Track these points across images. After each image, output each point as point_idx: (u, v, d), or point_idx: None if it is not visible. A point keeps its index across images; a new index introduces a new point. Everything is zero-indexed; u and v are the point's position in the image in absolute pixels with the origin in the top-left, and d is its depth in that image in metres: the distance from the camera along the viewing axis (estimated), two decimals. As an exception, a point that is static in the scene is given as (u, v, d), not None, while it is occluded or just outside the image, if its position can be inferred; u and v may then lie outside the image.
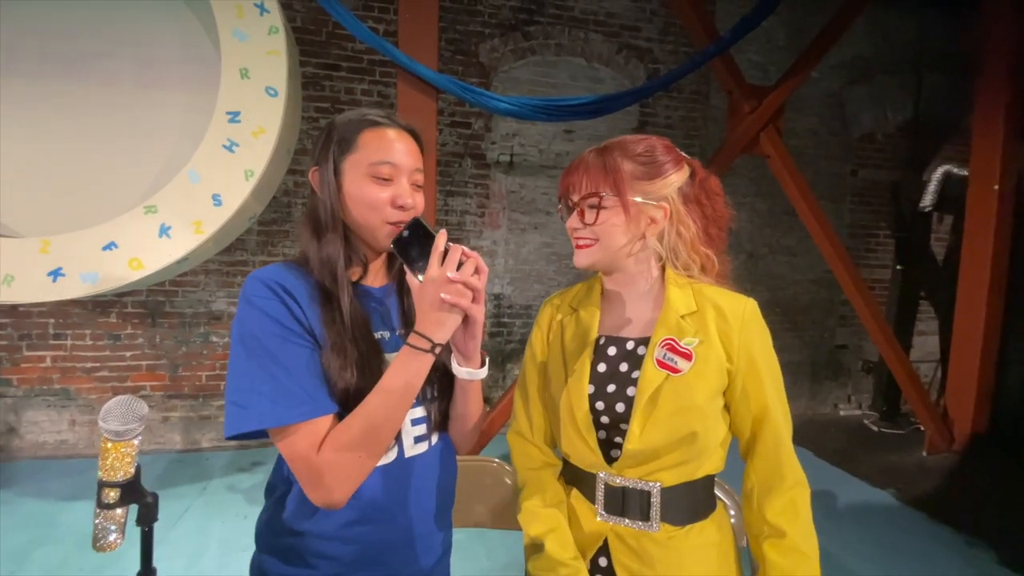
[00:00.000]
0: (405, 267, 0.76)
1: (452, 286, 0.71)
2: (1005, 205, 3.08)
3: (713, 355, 0.82)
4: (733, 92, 3.10)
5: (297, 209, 3.39)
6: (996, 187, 3.05)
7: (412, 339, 0.73)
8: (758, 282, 4.18)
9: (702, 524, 0.85)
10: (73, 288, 2.16)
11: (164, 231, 2.20)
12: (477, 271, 0.73)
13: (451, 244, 0.73)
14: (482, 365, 0.82)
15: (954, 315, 3.31)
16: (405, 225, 0.76)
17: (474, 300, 0.73)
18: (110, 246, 2.18)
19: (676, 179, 0.87)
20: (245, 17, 2.19)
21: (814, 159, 4.25)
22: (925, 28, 4.09)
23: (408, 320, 0.86)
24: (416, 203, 0.81)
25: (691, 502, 0.85)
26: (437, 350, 0.73)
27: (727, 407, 0.85)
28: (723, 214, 0.90)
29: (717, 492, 0.93)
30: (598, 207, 0.84)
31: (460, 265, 0.72)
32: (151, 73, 2.44)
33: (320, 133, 0.83)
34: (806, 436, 3.82)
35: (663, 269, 0.89)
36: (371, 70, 3.44)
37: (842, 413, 4.55)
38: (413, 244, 0.75)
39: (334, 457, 0.70)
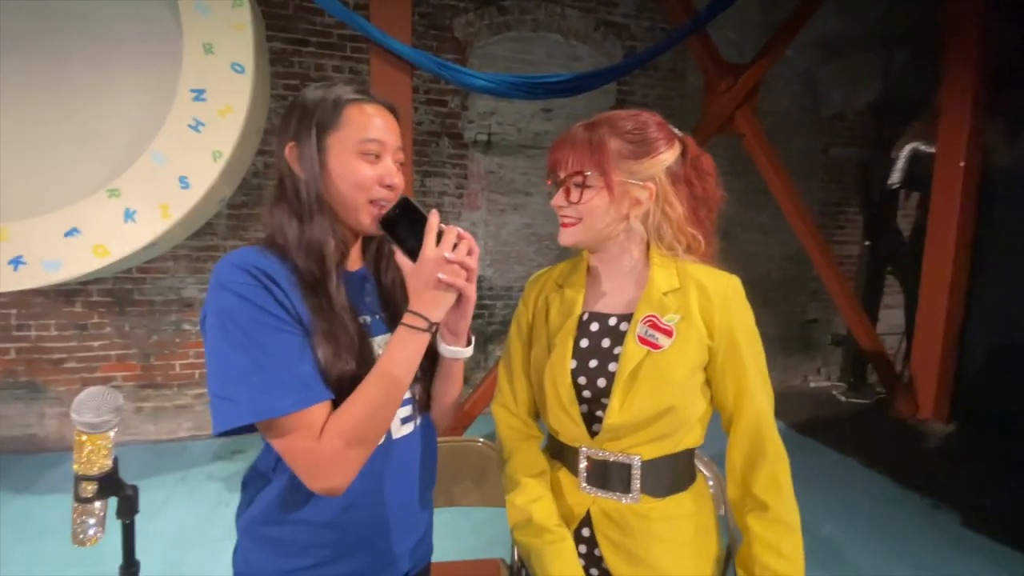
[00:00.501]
0: (394, 247, 0.75)
1: (449, 266, 0.71)
2: (970, 181, 3.18)
3: (694, 332, 0.83)
4: (710, 70, 3.10)
5: (269, 191, 3.29)
6: (962, 164, 3.14)
7: (408, 319, 0.72)
8: (732, 260, 4.19)
9: (680, 496, 0.88)
10: (35, 277, 2.08)
11: (129, 216, 2.12)
12: (470, 252, 0.73)
13: (444, 225, 0.73)
14: (468, 344, 0.83)
15: (919, 288, 3.43)
16: (394, 204, 0.75)
17: (468, 279, 0.74)
18: (72, 232, 2.09)
19: (666, 158, 0.86)
20: (207, -11, 2.09)
21: (786, 137, 4.31)
22: (893, 5, 4.14)
23: (388, 304, 0.85)
24: (401, 182, 0.80)
25: (671, 474, 0.87)
26: (434, 329, 0.73)
27: (708, 382, 0.87)
28: (714, 195, 0.90)
29: (697, 463, 0.96)
30: (583, 186, 0.84)
31: (455, 246, 0.72)
32: (107, 49, 2.31)
33: (290, 109, 0.78)
34: (778, 408, 3.87)
35: (648, 248, 0.89)
36: (341, 45, 3.33)
37: (812, 385, 4.71)
38: (403, 224, 0.74)
39: (336, 444, 0.69)
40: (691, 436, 0.87)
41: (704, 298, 0.84)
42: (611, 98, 3.91)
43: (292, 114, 0.77)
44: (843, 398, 4.31)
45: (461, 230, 0.74)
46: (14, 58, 2.25)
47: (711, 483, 1.26)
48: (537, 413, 0.97)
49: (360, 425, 0.70)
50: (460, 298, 0.76)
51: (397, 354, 0.72)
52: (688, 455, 0.90)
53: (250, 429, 0.70)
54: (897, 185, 4.18)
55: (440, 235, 0.72)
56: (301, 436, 0.68)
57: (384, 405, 0.72)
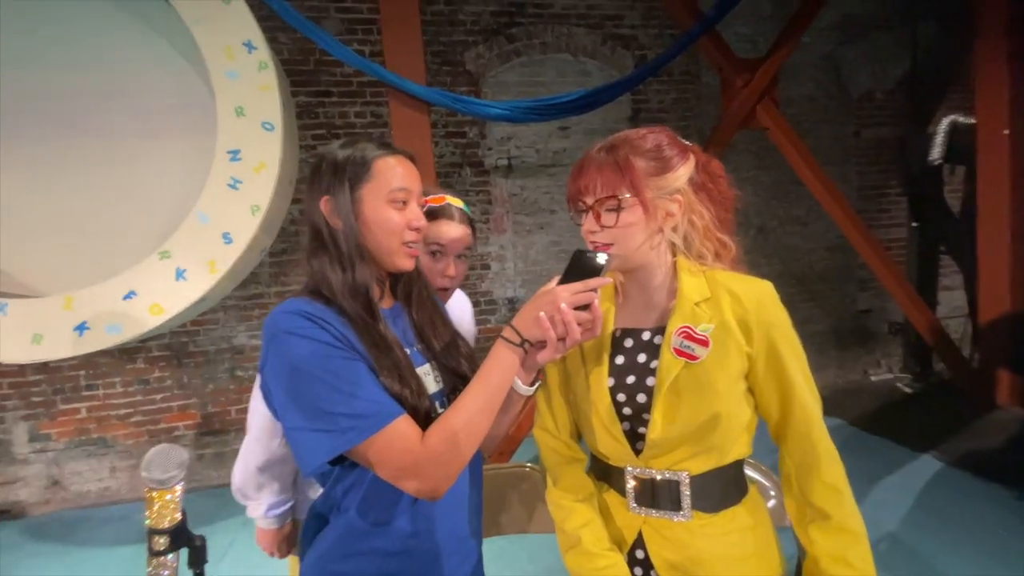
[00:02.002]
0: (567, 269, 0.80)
1: (557, 314, 0.74)
2: (1018, 148, 3.01)
3: (731, 340, 0.82)
4: (724, 68, 3.07)
5: (304, 242, 3.43)
6: (1006, 132, 2.98)
7: (506, 332, 0.78)
8: (770, 256, 4.13)
9: (734, 509, 0.85)
10: (99, 340, 2.22)
11: (180, 274, 2.25)
12: (592, 326, 0.77)
13: (595, 293, 0.76)
14: (533, 384, 0.85)
15: (978, 265, 3.23)
16: (603, 253, 0.80)
17: (560, 336, 0.76)
18: (130, 295, 2.23)
19: (685, 171, 0.86)
20: (235, 58, 2.23)
21: (814, 125, 4.19)
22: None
23: (421, 336, 0.90)
24: (425, 223, 0.87)
25: (721, 488, 0.85)
26: (526, 346, 0.77)
27: (751, 390, 0.85)
28: (728, 195, 0.90)
29: (752, 474, 0.93)
30: (617, 209, 0.83)
31: (586, 307, 0.75)
32: (150, 122, 2.50)
33: (320, 165, 0.84)
34: (837, 405, 3.75)
35: (674, 259, 0.89)
36: (362, 92, 3.47)
37: (873, 379, 4.47)
38: (582, 267, 0.78)
39: (439, 448, 0.73)
40: (738, 447, 0.85)
41: (737, 305, 0.83)
42: (626, 108, 3.91)
43: (323, 171, 0.83)
44: (908, 389, 4.07)
45: (598, 307, 0.76)
46: (70, 138, 2.46)
47: (772, 493, 1.22)
48: (579, 435, 0.97)
49: (462, 431, 0.74)
50: (546, 344, 0.78)
51: (494, 365, 0.77)
52: (737, 467, 0.88)
53: (335, 460, 0.74)
54: (939, 160, 3.98)
55: (590, 292, 0.76)
56: (401, 443, 0.73)
57: (483, 411, 0.76)
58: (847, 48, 4.21)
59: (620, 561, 0.86)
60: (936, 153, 3.98)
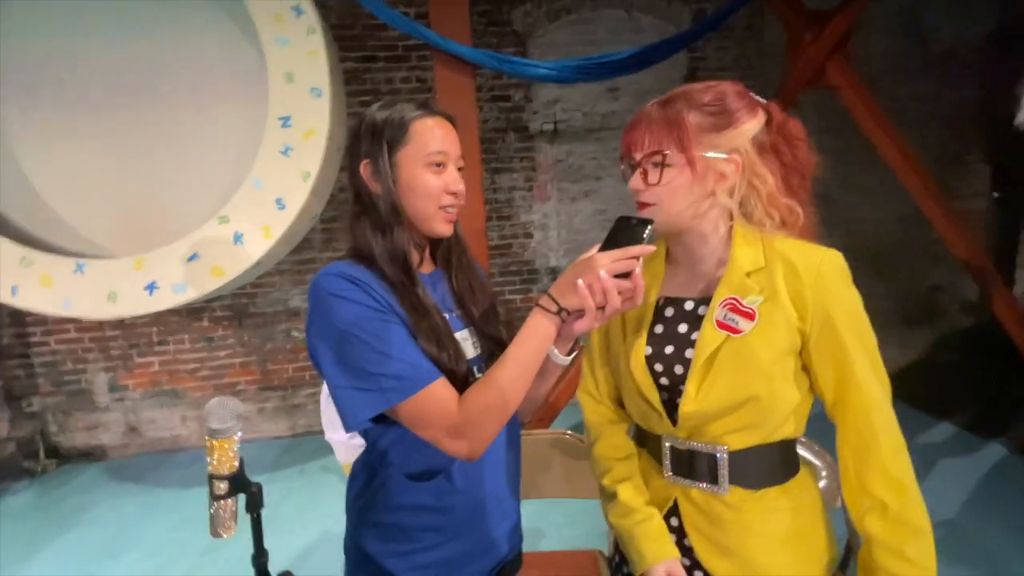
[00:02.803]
0: (608, 236, 0.75)
1: (597, 282, 0.71)
2: None
3: (781, 314, 0.77)
4: (792, 22, 2.84)
5: (347, 207, 3.50)
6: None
7: (543, 300, 0.76)
8: (834, 227, 3.82)
9: (778, 488, 0.82)
10: (167, 299, 2.37)
11: (238, 239, 2.35)
12: (632, 295, 0.72)
13: (637, 261, 0.72)
14: (570, 354, 0.83)
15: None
16: (644, 218, 0.75)
17: (599, 305, 0.72)
18: (193, 257, 2.36)
19: (750, 128, 0.80)
20: (284, 22, 2.25)
21: (890, 85, 3.83)
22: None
23: (460, 302, 0.90)
24: (463, 188, 0.85)
25: (766, 466, 0.82)
26: (563, 315, 0.75)
27: (805, 369, 0.81)
28: (807, 161, 0.83)
29: (805, 453, 0.90)
30: (662, 165, 0.79)
31: (627, 275, 0.71)
32: (207, 91, 2.58)
33: (359, 129, 0.84)
34: (901, 387, 3.54)
35: (731, 225, 0.84)
36: (407, 56, 3.45)
37: (940, 360, 4.20)
38: (627, 231, 0.74)
39: (475, 411, 0.75)
40: (787, 427, 0.81)
41: (793, 276, 0.77)
42: (682, 68, 3.70)
43: (362, 135, 0.83)
44: (980, 372, 3.80)
45: (639, 276, 0.71)
46: (138, 111, 2.58)
47: (824, 474, 1.17)
48: (621, 399, 0.96)
49: (497, 396, 0.75)
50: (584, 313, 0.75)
51: (530, 333, 0.76)
52: (786, 446, 0.84)
53: (378, 418, 0.77)
54: (1029, 124, 3.58)
55: (631, 260, 0.71)
56: (438, 406, 0.75)
57: (518, 378, 0.75)
58: (929, 0, 3.79)
59: (656, 514, 0.86)
60: (1022, 116, 3.58)
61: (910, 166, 2.96)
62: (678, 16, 3.67)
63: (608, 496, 0.90)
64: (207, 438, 0.81)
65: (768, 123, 0.82)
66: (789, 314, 0.77)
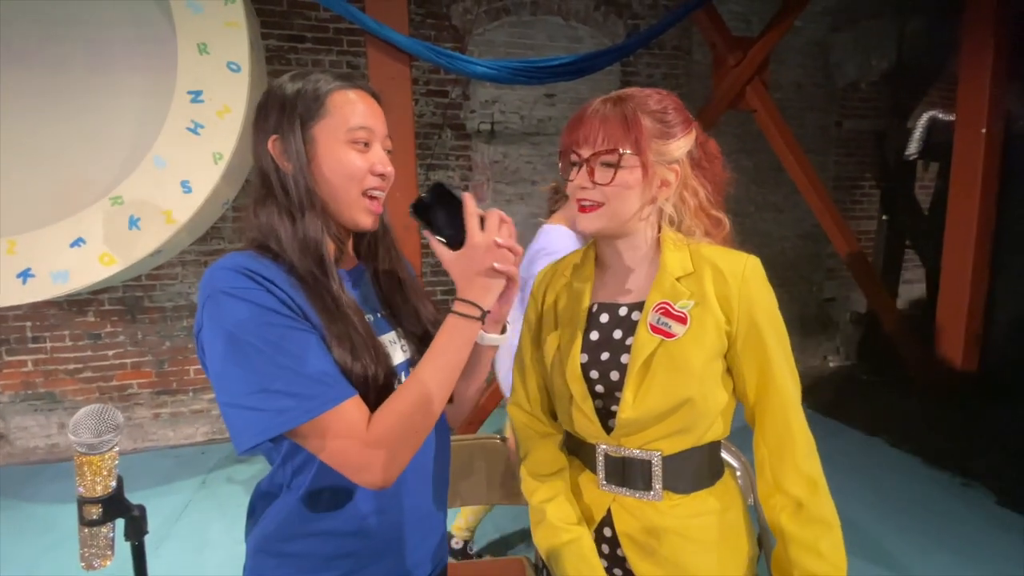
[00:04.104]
0: (428, 234, 0.72)
1: (500, 252, 0.68)
2: (992, 148, 3.06)
3: (710, 317, 0.78)
4: (717, 45, 3.01)
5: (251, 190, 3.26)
6: (983, 130, 3.02)
7: (460, 307, 0.70)
8: (745, 240, 4.07)
9: (706, 491, 0.83)
10: (44, 289, 2.07)
11: (133, 223, 2.10)
12: (511, 233, 0.71)
13: (484, 210, 0.70)
14: (504, 331, 0.79)
15: (941, 261, 3.32)
16: (427, 189, 0.72)
17: (515, 263, 0.71)
18: (78, 242, 2.08)
19: (688, 140, 0.81)
20: (198, -13, 2.04)
21: (799, 112, 4.19)
22: (907, -31, 3.99)
23: (387, 301, 0.82)
24: (392, 171, 0.76)
25: (695, 469, 0.83)
26: (485, 317, 0.70)
27: (729, 371, 0.82)
28: (722, 177, 0.86)
29: (723, 453, 0.91)
30: (616, 166, 0.77)
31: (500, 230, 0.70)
32: (103, 56, 2.28)
33: (267, 100, 0.73)
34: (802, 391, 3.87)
35: (659, 232, 0.85)
36: (338, 40, 3.27)
37: (832, 365, 4.62)
38: (437, 210, 0.70)
39: (387, 436, 0.66)
40: (715, 429, 0.82)
41: (720, 281, 0.79)
42: (615, 80, 3.81)
43: (270, 106, 0.73)
44: (865, 377, 4.22)
45: (502, 213, 0.70)
46: (15, 69, 2.23)
47: (739, 473, 1.21)
48: (552, 410, 0.94)
49: (412, 416, 0.67)
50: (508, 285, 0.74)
51: (448, 343, 0.69)
52: (713, 448, 0.85)
53: (278, 439, 0.67)
54: (915, 156, 4.05)
55: (482, 220, 0.70)
56: (344, 432, 0.65)
57: (436, 393, 0.69)
58: (836, 36, 4.18)
59: (584, 534, 0.84)
60: (913, 148, 4.04)
61: (813, 187, 3.23)
62: (613, 29, 3.77)
63: (537, 517, 0.87)
64: (77, 455, 0.67)
65: (696, 139, 0.84)
66: (718, 317, 0.78)
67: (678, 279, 0.80)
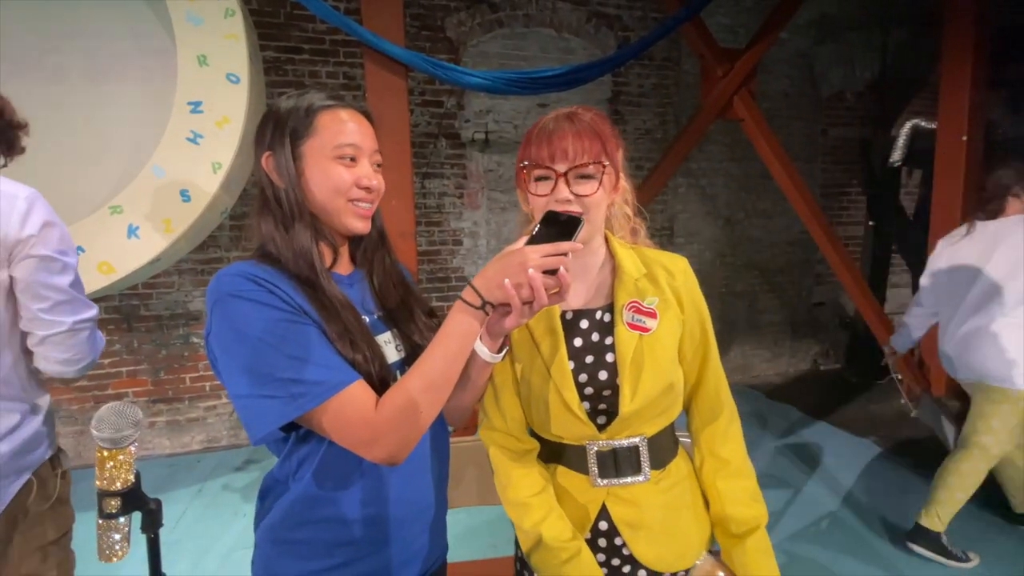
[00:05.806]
0: (535, 230, 0.74)
1: (524, 275, 0.68)
2: (973, 155, 3.15)
3: (670, 310, 0.87)
4: (705, 56, 3.08)
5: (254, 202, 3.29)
6: (964, 137, 3.11)
7: (465, 293, 0.71)
8: (736, 246, 4.23)
9: (676, 461, 0.92)
10: (41, 297, 2.07)
11: (132, 232, 2.12)
12: (560, 291, 0.70)
13: (566, 257, 0.70)
14: (499, 351, 0.80)
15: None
16: (575, 215, 0.75)
17: (525, 301, 0.70)
18: (77, 251, 2.08)
19: (623, 150, 0.89)
20: (199, 1, 2.08)
21: (786, 121, 4.28)
22: (889, -18, 4.11)
23: (383, 303, 0.87)
24: (380, 184, 0.81)
25: (669, 445, 0.91)
26: (488, 309, 0.71)
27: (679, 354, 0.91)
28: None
29: None
30: (598, 177, 0.81)
31: (554, 273, 0.69)
32: (103, 66, 2.31)
33: (264, 119, 0.80)
34: (789, 393, 3.94)
35: (606, 237, 0.92)
36: (335, 51, 3.32)
37: (822, 368, 4.69)
38: (556, 229, 0.73)
39: (396, 414, 0.70)
40: (677, 406, 0.92)
41: (671, 277, 0.89)
42: (606, 90, 3.89)
43: (266, 124, 0.79)
44: (854, 380, 4.28)
45: (566, 274, 0.69)
46: (15, 79, 2.25)
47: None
48: (528, 427, 0.93)
49: (419, 396, 0.70)
50: (512, 309, 0.72)
51: (452, 329, 0.72)
52: (674, 423, 0.94)
53: (287, 429, 0.71)
54: (898, 163, 4.14)
55: (560, 257, 0.70)
56: (353, 411, 0.69)
57: (441, 377, 0.72)
58: (822, 47, 4.29)
59: (581, 549, 0.85)
60: (896, 155, 4.13)
61: (800, 195, 3.30)
62: (604, 41, 3.85)
63: (530, 539, 0.86)
64: (98, 450, 0.70)
65: None
66: (675, 310, 0.88)
67: (637, 279, 0.88)
